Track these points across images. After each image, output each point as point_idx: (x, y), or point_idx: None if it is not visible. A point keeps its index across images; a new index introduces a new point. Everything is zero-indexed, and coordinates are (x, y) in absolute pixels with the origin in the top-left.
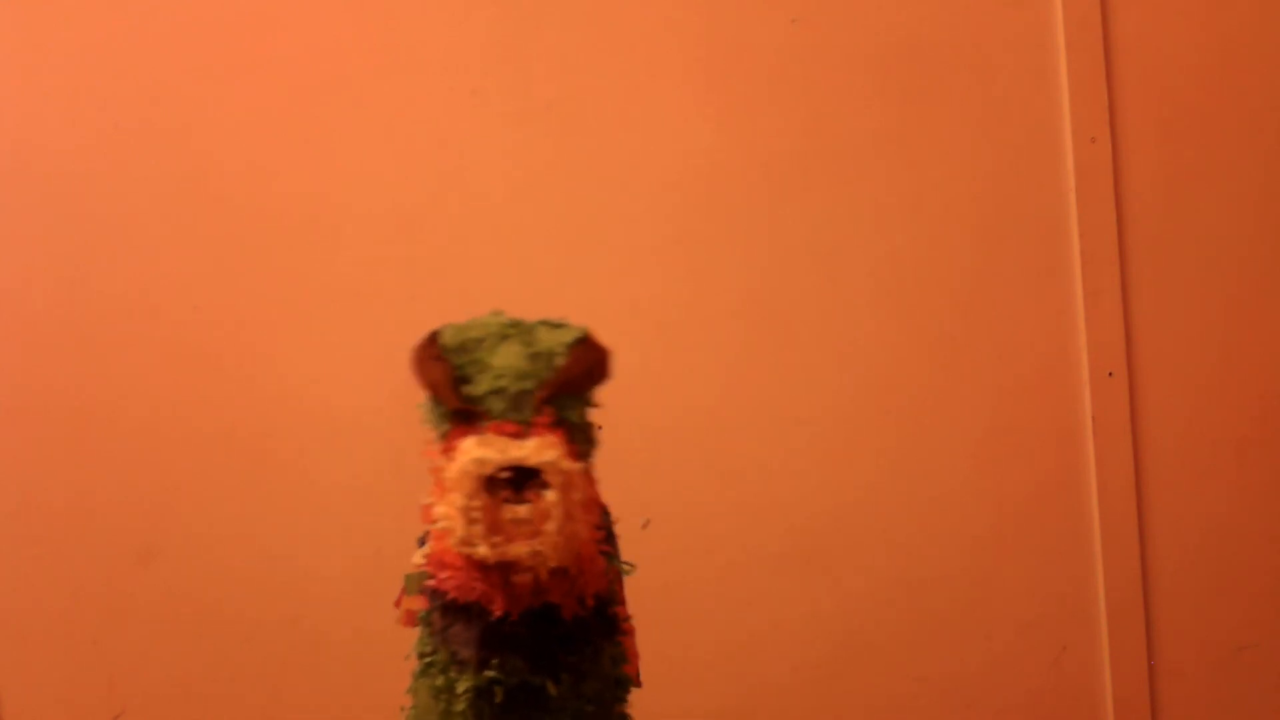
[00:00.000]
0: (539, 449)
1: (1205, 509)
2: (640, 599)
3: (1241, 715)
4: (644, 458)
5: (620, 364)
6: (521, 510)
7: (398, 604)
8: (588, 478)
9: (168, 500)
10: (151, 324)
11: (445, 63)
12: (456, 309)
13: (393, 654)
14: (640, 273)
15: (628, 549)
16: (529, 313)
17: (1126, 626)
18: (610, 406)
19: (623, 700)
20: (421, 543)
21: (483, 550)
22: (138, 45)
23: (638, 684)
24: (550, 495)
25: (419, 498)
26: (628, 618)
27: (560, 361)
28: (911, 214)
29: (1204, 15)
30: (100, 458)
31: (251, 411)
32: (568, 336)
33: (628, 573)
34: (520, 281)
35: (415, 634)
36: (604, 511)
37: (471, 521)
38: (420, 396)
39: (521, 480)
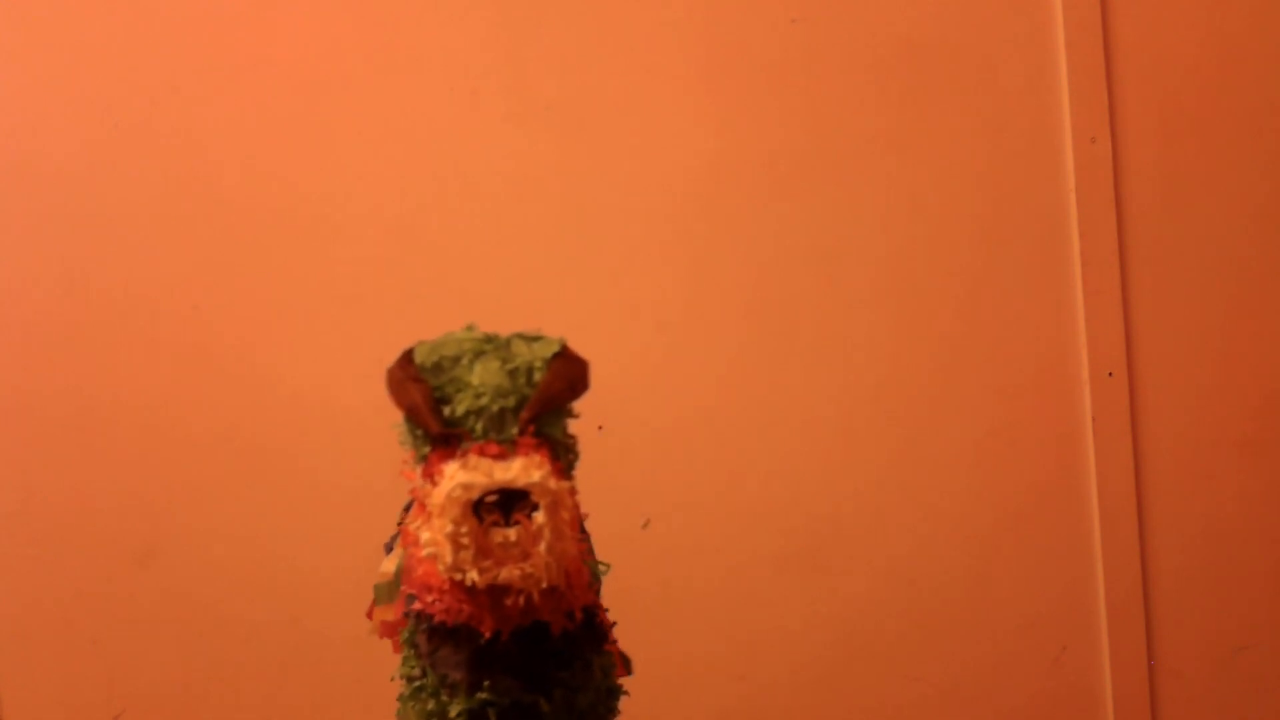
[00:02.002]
0: (525, 470)
1: (1205, 509)
2: (640, 599)
3: (1241, 715)
4: (644, 458)
5: (620, 364)
6: (511, 533)
7: (370, 615)
8: (572, 492)
9: (168, 500)
10: (151, 324)
11: (445, 63)
12: (456, 309)
13: (392, 654)
14: (640, 273)
15: (628, 549)
16: (531, 313)
17: (1126, 626)
18: (610, 407)
19: (614, 710)
20: (388, 549)
21: (473, 575)
22: (138, 45)
23: (629, 672)
24: (539, 516)
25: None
26: (612, 624)
27: (540, 376)
28: (911, 214)
29: (1204, 15)
30: (100, 458)
31: (251, 411)
32: (546, 350)
33: (604, 573)
34: (520, 282)
35: (392, 646)
36: (582, 518)
37: (460, 548)
38: (398, 415)
39: (509, 502)
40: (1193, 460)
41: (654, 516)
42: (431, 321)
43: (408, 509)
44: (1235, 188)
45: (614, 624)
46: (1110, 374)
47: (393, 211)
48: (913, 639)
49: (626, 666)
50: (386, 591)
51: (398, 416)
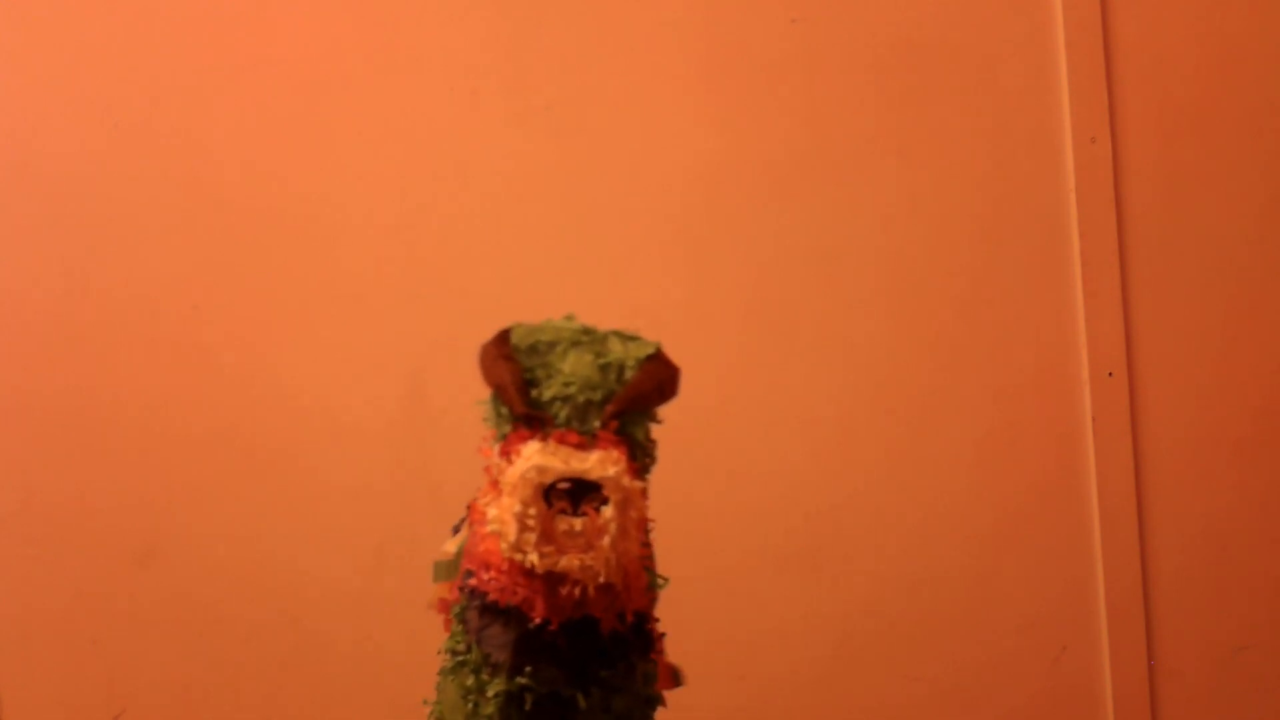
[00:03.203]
0: (602, 463)
1: (1205, 509)
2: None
3: (1241, 715)
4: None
5: None
6: (577, 523)
7: (435, 603)
8: (644, 495)
9: (168, 500)
10: (151, 324)
11: (445, 63)
12: (456, 309)
13: (393, 655)
14: (640, 273)
15: None
16: (531, 313)
17: (1126, 626)
18: None
19: (650, 719)
20: (456, 530)
21: (533, 559)
22: (138, 45)
23: (664, 703)
24: (608, 511)
25: (419, 498)
26: (661, 634)
27: (631, 375)
28: (911, 214)
29: (1204, 15)
30: (100, 458)
31: (251, 412)
32: (640, 351)
33: (662, 586)
34: (520, 282)
35: (433, 625)
36: (648, 527)
37: (525, 529)
38: (415, 412)
39: (580, 492)
40: (1193, 460)
41: (654, 516)
42: (431, 321)
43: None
44: (1235, 188)
45: (664, 635)
46: (1110, 374)
47: (393, 211)
48: (913, 639)
49: (676, 679)
50: (446, 570)
51: (398, 416)
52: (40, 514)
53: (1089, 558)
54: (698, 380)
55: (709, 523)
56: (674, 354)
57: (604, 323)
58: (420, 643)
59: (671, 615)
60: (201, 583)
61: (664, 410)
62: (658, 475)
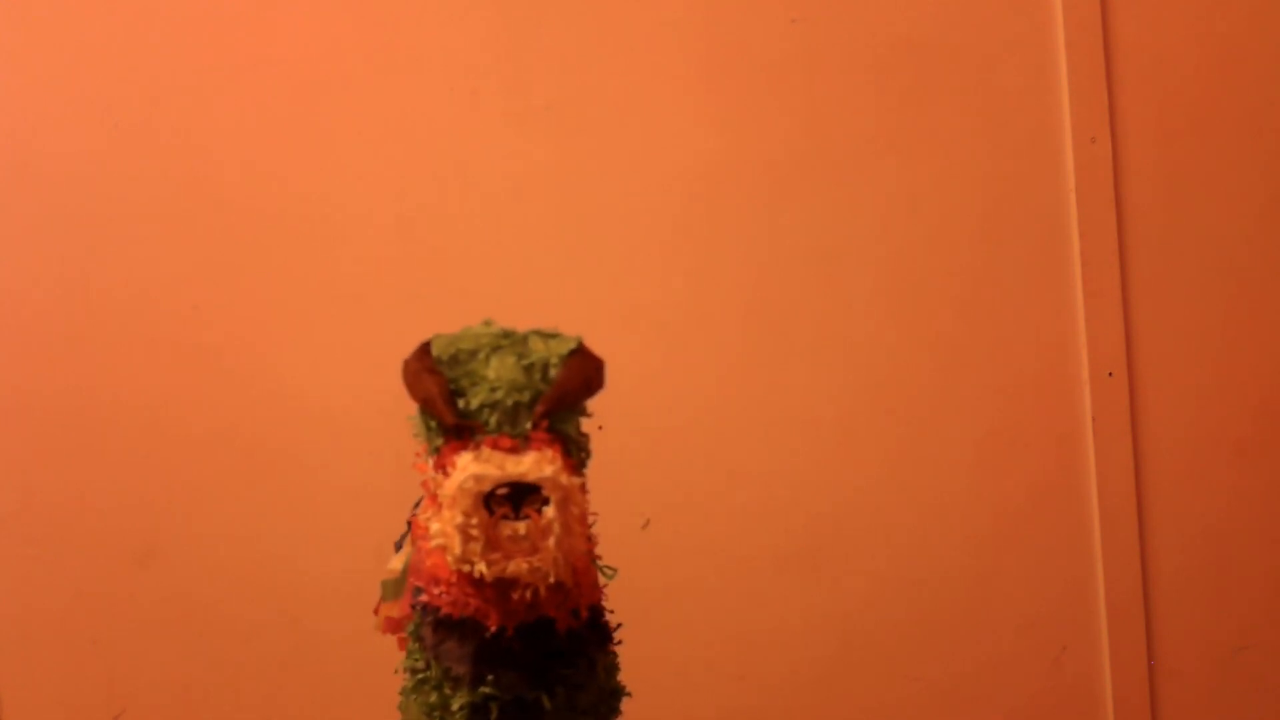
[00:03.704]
0: (537, 464)
1: (1205, 509)
2: (640, 600)
3: (1241, 715)
4: (644, 458)
5: (620, 364)
6: (521, 527)
7: (376, 611)
8: (583, 489)
9: (168, 500)
10: (151, 324)
11: (445, 63)
12: (456, 309)
13: (392, 655)
14: (640, 273)
15: (628, 549)
16: (531, 313)
17: (1126, 626)
18: (610, 406)
19: (617, 710)
20: (398, 547)
21: (481, 568)
22: (138, 45)
23: (628, 693)
24: (549, 511)
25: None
26: (618, 625)
27: (555, 373)
28: (911, 214)
29: (1204, 15)
30: (100, 458)
31: (251, 411)
32: (562, 347)
33: (610, 578)
34: (520, 282)
35: (397, 643)
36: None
37: (470, 539)
38: (411, 408)
39: (519, 496)
40: (1193, 460)
41: (654, 516)
42: (431, 321)
43: (417, 506)
44: (1235, 188)
45: (619, 625)
46: (1110, 374)
47: (392, 211)
48: (913, 639)
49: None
50: (393, 588)
51: (399, 416)
52: (40, 514)
53: (1089, 558)
54: (698, 380)
55: (709, 523)
56: (674, 354)
57: (604, 322)
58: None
59: (673, 615)
60: (201, 583)
61: (665, 409)
62: (658, 475)
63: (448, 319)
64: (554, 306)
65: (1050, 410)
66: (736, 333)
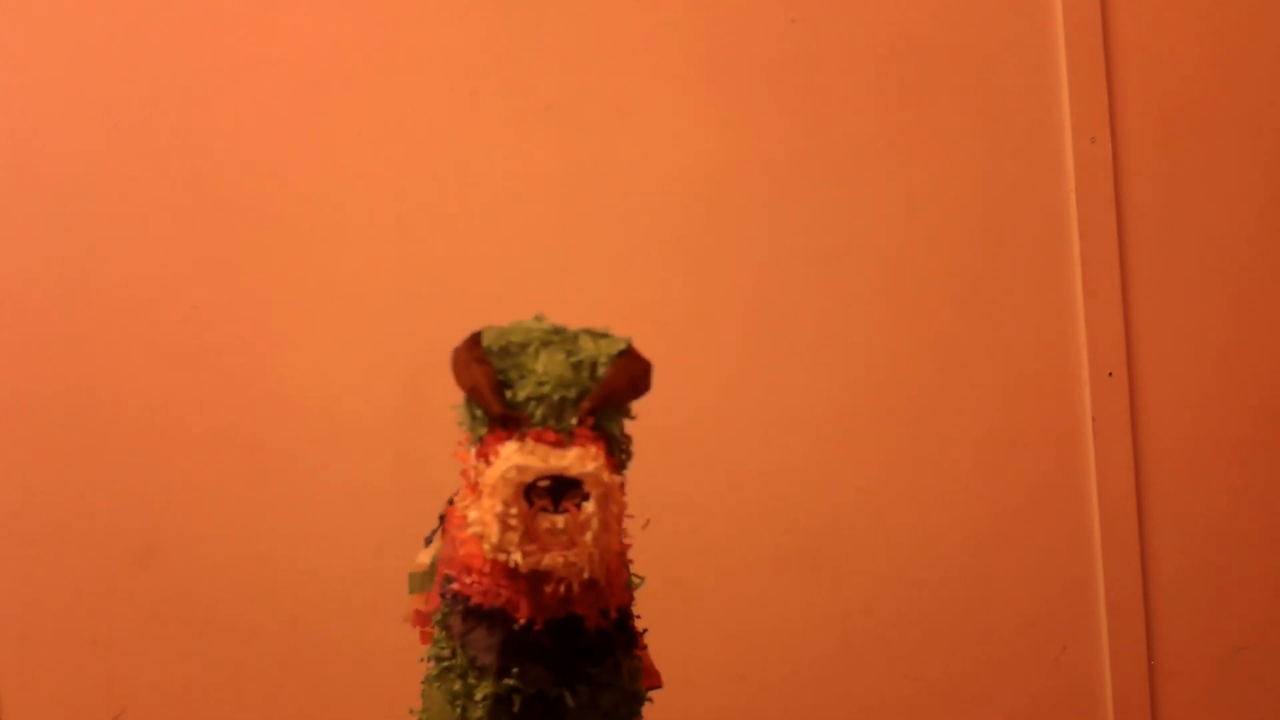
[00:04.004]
0: (580, 459)
1: (1205, 509)
2: (640, 599)
3: (1241, 715)
4: (644, 458)
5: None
6: (559, 520)
7: (410, 615)
8: (622, 489)
9: (168, 500)
10: (151, 324)
11: (445, 63)
12: (456, 309)
13: (392, 655)
14: (640, 273)
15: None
16: (531, 313)
17: (1126, 626)
18: None
19: (638, 715)
20: (428, 541)
21: (516, 558)
22: (138, 45)
23: (650, 699)
24: (589, 507)
25: (419, 498)
26: (643, 630)
27: (604, 371)
28: (911, 214)
29: (1204, 15)
30: (100, 458)
31: (251, 411)
32: (611, 347)
33: (639, 585)
34: (520, 282)
35: (416, 634)
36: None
37: (508, 529)
38: (411, 412)
39: (560, 490)
40: (1193, 460)
41: (654, 516)
42: (431, 321)
43: (450, 501)
44: (1235, 188)
45: (645, 631)
46: (1110, 374)
47: (392, 212)
48: (913, 639)
49: (656, 678)
50: (420, 581)
51: (399, 416)
52: (40, 514)
53: (1089, 558)
54: (698, 380)
55: (709, 523)
56: (674, 354)
57: (604, 323)
58: (419, 643)
59: (672, 615)
60: (201, 583)
61: (665, 409)
62: (658, 475)
63: (448, 319)
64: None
65: (1050, 410)
66: (736, 333)
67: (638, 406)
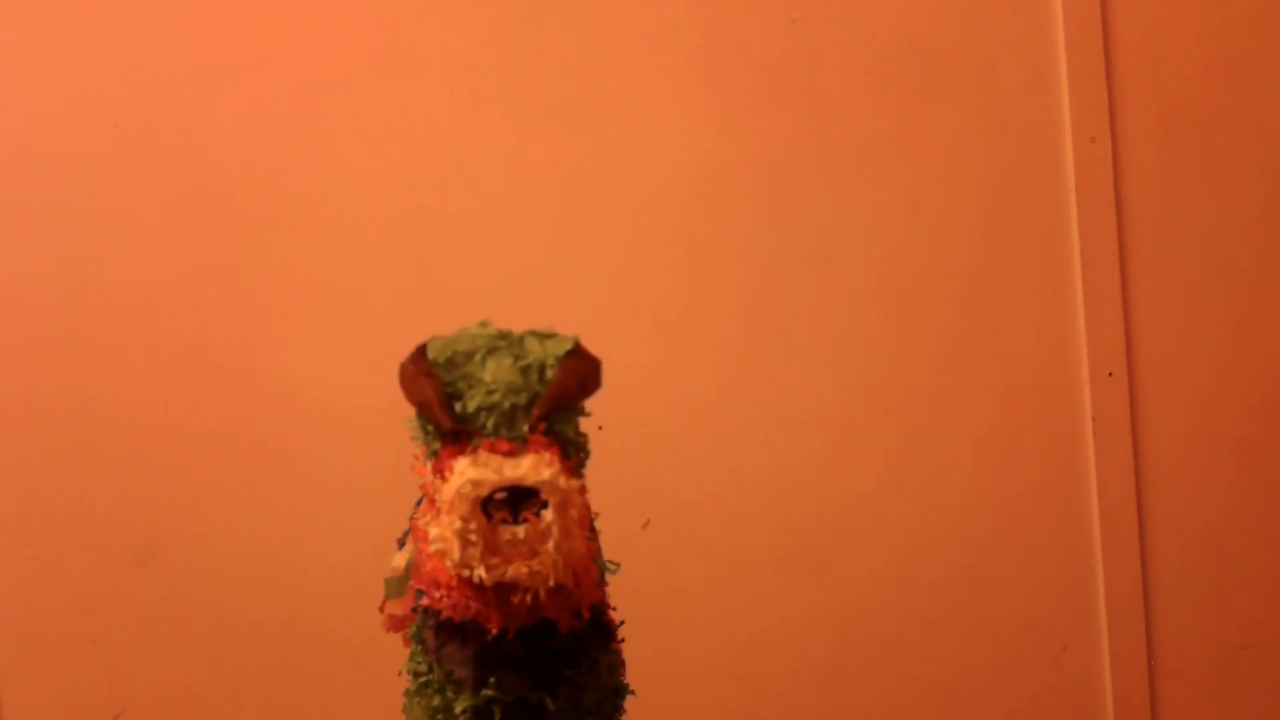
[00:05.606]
0: (535, 467)
1: (1205, 509)
2: (640, 600)
3: (1241, 715)
4: (644, 458)
5: (620, 364)
6: (519, 531)
7: (381, 609)
8: (582, 490)
9: (168, 500)
10: (151, 324)
11: (445, 63)
12: (456, 309)
13: (392, 654)
14: (640, 273)
15: (628, 549)
16: (531, 313)
17: (1126, 626)
18: (611, 407)
19: (620, 709)
20: (401, 544)
21: (480, 572)
22: (138, 45)
23: (632, 691)
24: (548, 514)
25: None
26: (620, 622)
27: (552, 374)
28: (912, 214)
29: (1204, 15)
30: (100, 458)
31: (251, 411)
32: (558, 348)
33: (613, 572)
34: (520, 282)
35: (402, 640)
36: (592, 517)
37: (468, 544)
38: (409, 410)
39: (518, 499)
40: (1193, 460)
41: (654, 516)
42: (431, 321)
43: (419, 504)
44: (1235, 188)
45: (621, 623)
46: (1110, 374)
47: (392, 211)
48: (913, 639)
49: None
50: (396, 586)
51: (399, 416)
52: (40, 514)
53: (1089, 558)
54: (698, 380)
55: (709, 523)
56: (674, 354)
57: (604, 322)
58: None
59: (672, 615)
60: (201, 583)
61: (665, 409)
62: (658, 475)
63: (448, 319)
64: (554, 306)
65: (1050, 410)
66: (736, 333)
67: (645, 405)
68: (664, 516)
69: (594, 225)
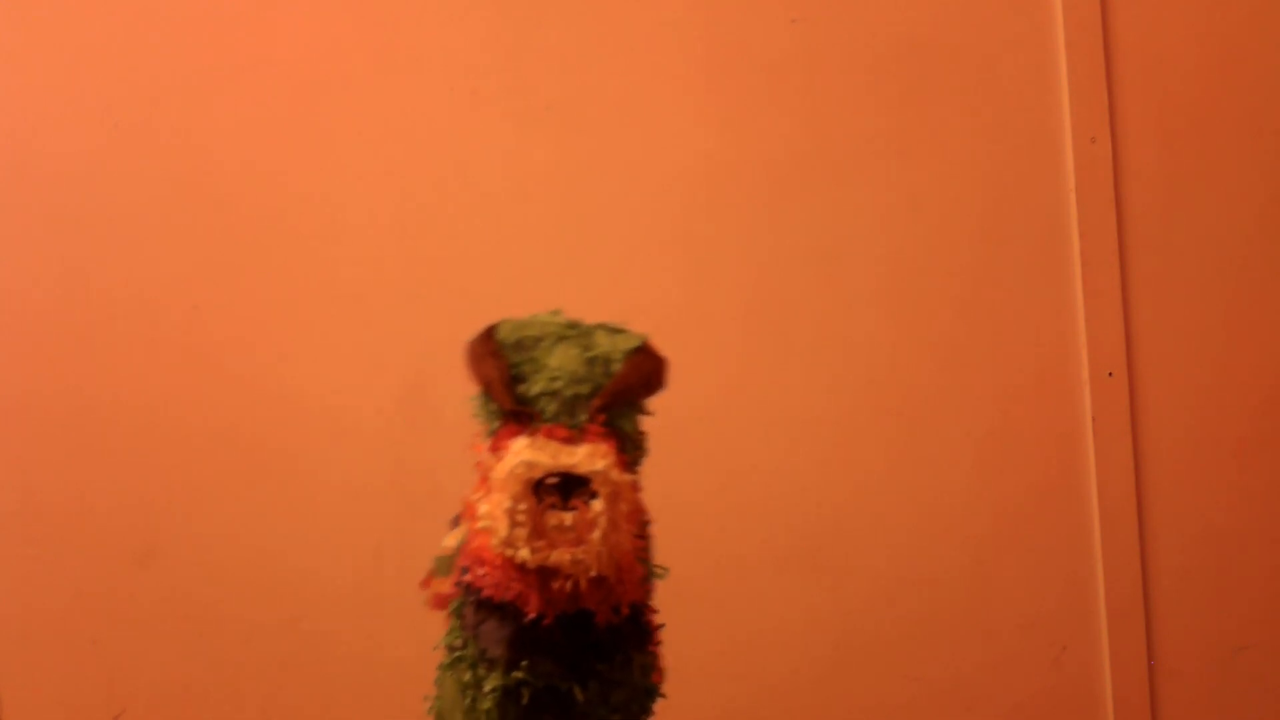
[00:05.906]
0: (590, 457)
1: (1205, 509)
2: None
3: (1241, 715)
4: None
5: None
6: (567, 518)
7: (425, 585)
8: (634, 487)
9: (168, 500)
10: (151, 324)
11: (445, 63)
12: (456, 309)
13: (392, 654)
14: (640, 273)
15: None
16: (529, 313)
17: (1126, 626)
18: None
19: (649, 711)
20: (455, 523)
21: (524, 554)
22: (138, 45)
23: (663, 694)
24: (597, 505)
25: (419, 498)
26: (660, 625)
27: (617, 368)
28: (911, 214)
29: (1204, 15)
30: (100, 458)
31: (251, 411)
32: (626, 343)
33: (660, 577)
34: (520, 282)
35: (434, 624)
36: (645, 519)
37: (515, 524)
38: (409, 412)
39: (569, 486)
40: (1193, 460)
41: (654, 516)
42: (431, 321)
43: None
44: (1235, 188)
45: (661, 626)
46: (1110, 374)
47: (392, 211)
48: (913, 639)
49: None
50: (445, 564)
51: (399, 416)
52: (40, 514)
53: (1089, 558)
54: (698, 380)
55: (709, 522)
56: (674, 354)
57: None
58: (420, 642)
59: (672, 615)
60: (201, 583)
61: (665, 409)
62: (658, 474)
63: (448, 319)
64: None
65: (1050, 410)
66: (736, 332)
67: (653, 403)
68: (664, 516)
69: (594, 225)
